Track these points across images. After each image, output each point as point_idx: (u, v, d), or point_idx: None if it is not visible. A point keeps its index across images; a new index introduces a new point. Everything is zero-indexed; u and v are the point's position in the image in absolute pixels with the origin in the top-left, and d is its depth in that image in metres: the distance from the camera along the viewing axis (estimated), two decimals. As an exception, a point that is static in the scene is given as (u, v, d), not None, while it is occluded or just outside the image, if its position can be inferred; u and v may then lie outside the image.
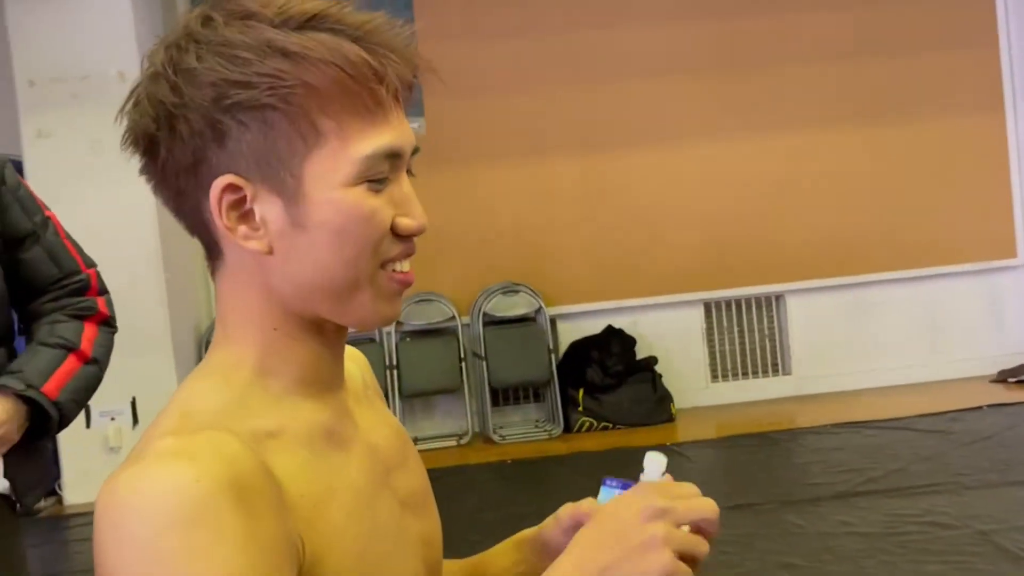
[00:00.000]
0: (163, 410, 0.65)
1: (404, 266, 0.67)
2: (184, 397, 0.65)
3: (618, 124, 4.84)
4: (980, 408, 4.20)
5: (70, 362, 1.41)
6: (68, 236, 1.48)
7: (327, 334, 0.68)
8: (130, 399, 4.10)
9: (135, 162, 0.67)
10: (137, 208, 3.90)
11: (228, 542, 0.54)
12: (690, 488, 0.65)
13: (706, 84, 4.85)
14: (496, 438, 4.54)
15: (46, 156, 4.02)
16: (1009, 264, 4.97)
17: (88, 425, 4.05)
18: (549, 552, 0.76)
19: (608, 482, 0.70)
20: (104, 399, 4.23)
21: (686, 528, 0.62)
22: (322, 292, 0.65)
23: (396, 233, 0.65)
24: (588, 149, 4.84)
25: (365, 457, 0.70)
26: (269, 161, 0.62)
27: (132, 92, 0.65)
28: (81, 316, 1.45)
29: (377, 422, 0.76)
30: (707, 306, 4.92)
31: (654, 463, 0.68)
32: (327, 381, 0.70)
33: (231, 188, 0.63)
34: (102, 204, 3.92)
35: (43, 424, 1.37)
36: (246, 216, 0.63)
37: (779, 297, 4.96)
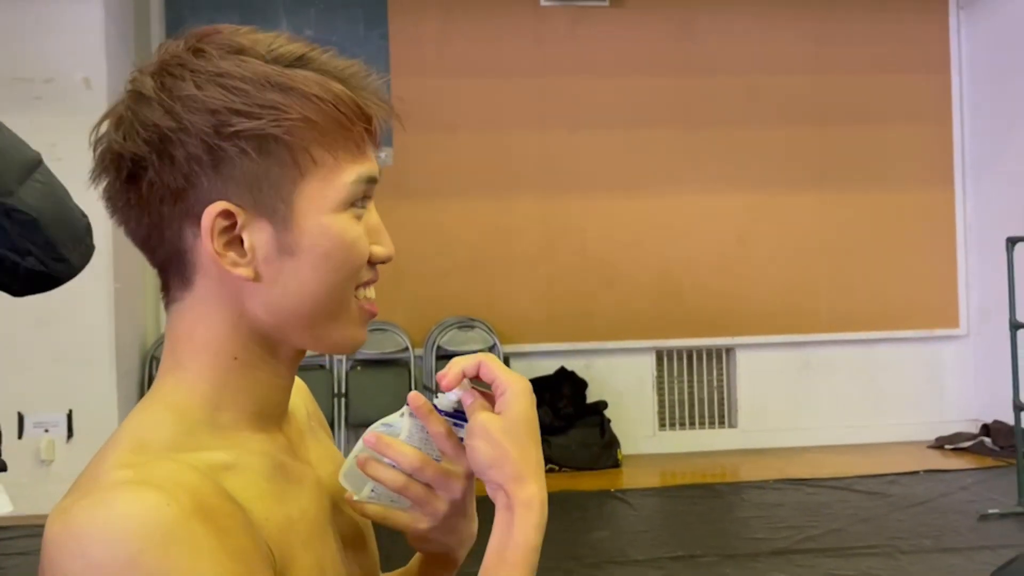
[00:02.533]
0: (110, 440, 0.63)
1: (370, 293, 0.70)
2: (133, 428, 0.64)
3: (581, 169, 4.90)
4: (917, 473, 4.28)
5: None
6: None
7: (284, 363, 0.69)
8: (66, 411, 3.97)
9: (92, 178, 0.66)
10: (91, 214, 3.81)
11: (207, 557, 0.54)
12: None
13: (670, 138, 4.96)
14: (440, 474, 4.49)
15: (1, 156, 3.93)
16: (951, 334, 5.11)
17: (20, 435, 3.91)
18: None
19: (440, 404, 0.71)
20: (39, 409, 4.12)
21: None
22: (301, 318, 0.66)
23: (369, 261, 0.68)
24: (550, 192, 4.89)
25: (314, 491, 0.70)
26: (262, 188, 0.63)
27: (108, 114, 0.65)
28: None
29: (323, 456, 0.76)
30: (659, 354, 4.97)
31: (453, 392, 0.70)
32: (277, 415, 0.70)
33: (224, 214, 0.63)
34: (55, 209, 3.83)
35: None
36: (233, 242, 0.64)
37: (729, 350, 5.02)
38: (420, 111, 4.73)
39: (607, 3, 4.90)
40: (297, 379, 0.78)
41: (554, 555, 3.24)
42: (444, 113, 4.80)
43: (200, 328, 0.66)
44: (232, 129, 0.62)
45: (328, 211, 0.65)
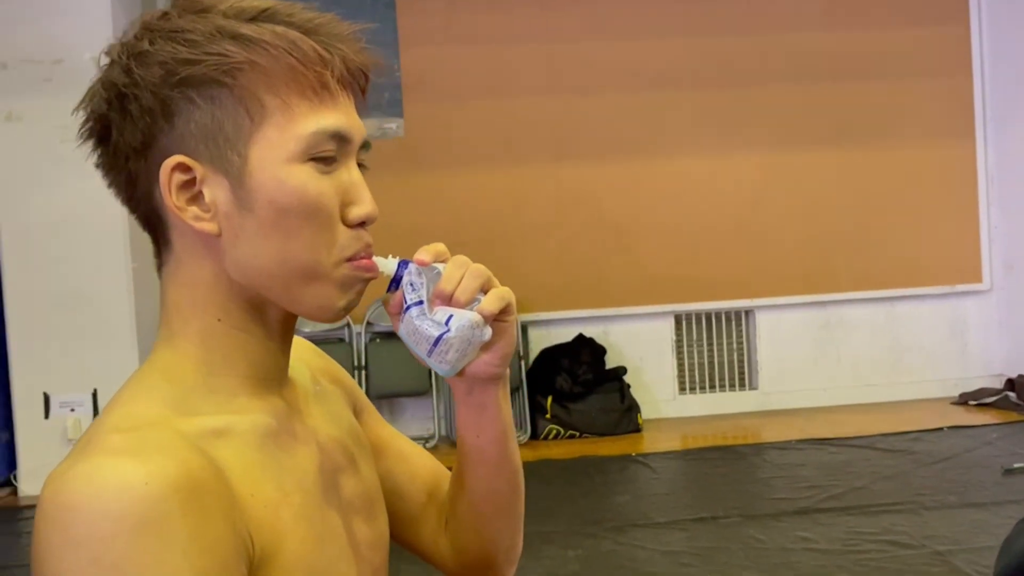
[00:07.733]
0: (106, 407, 0.64)
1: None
2: (127, 395, 0.64)
3: (593, 134, 4.86)
4: (941, 429, 4.26)
5: None
6: None
7: (271, 325, 0.67)
8: (91, 390, 4.03)
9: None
10: (107, 195, 3.81)
11: (177, 548, 0.54)
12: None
13: (682, 100, 4.89)
14: (462, 443, 4.53)
15: (14, 140, 3.94)
16: (974, 288, 5.05)
17: (47, 415, 3.98)
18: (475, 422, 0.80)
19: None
20: (64, 389, 4.18)
21: None
22: (272, 278, 0.64)
23: (346, 223, 0.66)
24: (563, 158, 4.85)
25: (314, 458, 0.69)
26: (217, 140, 0.63)
27: (89, 88, 0.66)
28: None
29: (327, 421, 0.75)
30: (677, 318, 4.95)
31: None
32: (273, 378, 0.69)
33: (181, 168, 0.63)
34: (71, 191, 3.85)
35: None
36: (196, 198, 0.64)
37: (748, 312, 5.00)
38: (429, 80, 4.69)
39: (616, -37, 4.82)
40: (299, 339, 0.77)
41: (576, 519, 3.27)
42: (453, 81, 4.75)
43: (184, 291, 0.66)
44: (177, 78, 0.62)
45: (283, 162, 0.63)
